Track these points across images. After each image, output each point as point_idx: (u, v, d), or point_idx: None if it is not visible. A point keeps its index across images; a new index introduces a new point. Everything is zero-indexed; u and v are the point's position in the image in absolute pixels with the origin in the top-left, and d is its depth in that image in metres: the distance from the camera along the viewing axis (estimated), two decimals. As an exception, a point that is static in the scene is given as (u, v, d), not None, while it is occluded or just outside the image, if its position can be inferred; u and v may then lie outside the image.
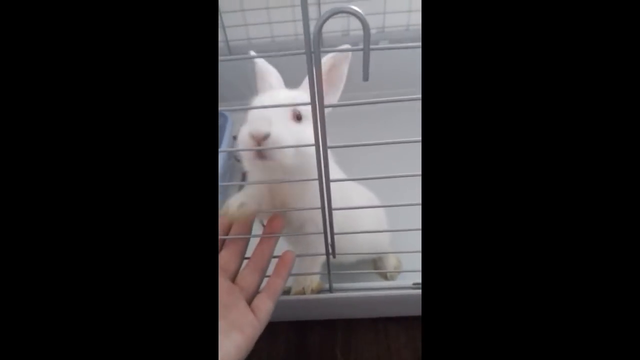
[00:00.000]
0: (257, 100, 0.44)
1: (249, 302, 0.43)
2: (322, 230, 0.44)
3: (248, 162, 0.43)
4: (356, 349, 0.60)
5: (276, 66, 0.51)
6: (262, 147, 0.38)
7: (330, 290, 0.53)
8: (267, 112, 0.40)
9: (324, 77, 0.41)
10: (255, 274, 0.45)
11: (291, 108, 0.42)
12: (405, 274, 0.65)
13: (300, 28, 1.00)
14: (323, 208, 0.40)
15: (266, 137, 0.38)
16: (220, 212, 0.45)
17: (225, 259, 0.45)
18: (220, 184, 0.79)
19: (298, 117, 0.42)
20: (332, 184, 0.39)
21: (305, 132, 0.41)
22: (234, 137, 0.89)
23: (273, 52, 0.38)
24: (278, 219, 0.46)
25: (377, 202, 0.59)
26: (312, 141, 0.38)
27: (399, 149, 0.35)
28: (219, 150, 0.55)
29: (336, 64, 0.43)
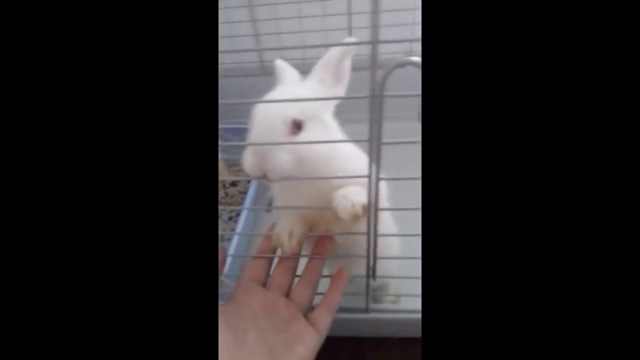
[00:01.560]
0: (254, 115, 0.42)
1: (305, 316, 0.44)
2: (362, 253, 0.46)
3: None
4: (384, 369, 0.61)
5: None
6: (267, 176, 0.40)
7: (367, 310, 0.54)
8: (260, 140, 0.40)
9: (331, 70, 0.44)
10: (308, 289, 0.46)
11: (288, 121, 0.40)
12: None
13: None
14: (369, 233, 0.42)
15: (264, 172, 0.39)
16: (273, 241, 0.47)
17: (278, 276, 0.47)
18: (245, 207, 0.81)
19: (297, 126, 0.41)
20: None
21: (305, 140, 0.40)
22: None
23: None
24: (326, 239, 0.48)
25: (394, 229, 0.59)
26: (314, 148, 0.40)
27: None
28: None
29: (342, 58, 0.44)
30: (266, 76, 1.01)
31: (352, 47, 0.44)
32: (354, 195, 0.40)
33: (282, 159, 0.39)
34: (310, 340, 0.42)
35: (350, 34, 0.97)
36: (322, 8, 0.96)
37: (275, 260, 0.48)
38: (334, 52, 0.44)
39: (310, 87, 0.45)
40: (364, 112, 0.45)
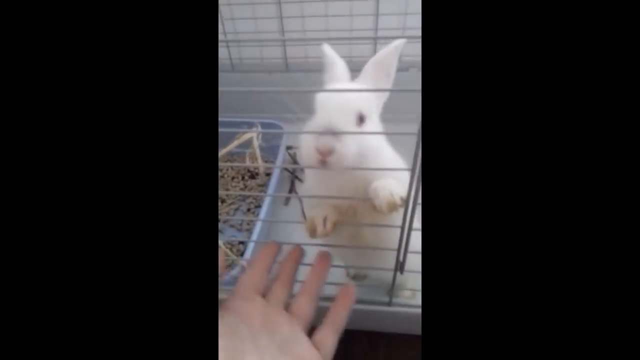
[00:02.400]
0: (323, 101, 0.43)
1: (307, 332, 0.42)
2: (390, 247, 0.47)
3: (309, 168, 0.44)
4: (397, 365, 0.62)
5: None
6: (327, 162, 0.40)
7: (390, 303, 0.56)
8: (334, 122, 0.41)
9: (377, 66, 0.46)
10: (310, 302, 0.43)
11: (357, 111, 0.43)
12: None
13: (355, 51, 1.05)
14: (403, 227, 0.44)
15: (332, 152, 0.40)
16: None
17: (277, 289, 0.44)
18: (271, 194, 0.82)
19: (362, 120, 0.43)
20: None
21: (367, 136, 0.43)
22: (287, 148, 0.94)
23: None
24: (326, 257, 0.46)
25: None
26: (373, 143, 0.42)
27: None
28: (276, 165, 0.58)
29: (388, 56, 0.47)
30: (290, 72, 1.03)
31: (400, 45, 0.46)
32: (392, 187, 0.42)
33: (350, 148, 0.41)
34: None
35: (376, 34, 0.98)
36: (349, 8, 0.97)
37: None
38: (385, 51, 0.46)
39: (367, 86, 0.48)
40: (405, 113, 0.46)
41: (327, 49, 0.52)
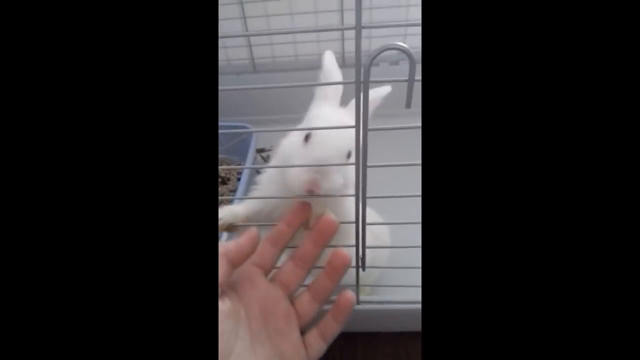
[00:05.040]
0: (322, 136, 0.43)
1: (302, 332, 0.41)
2: (350, 243, 0.46)
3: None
4: (376, 364, 0.61)
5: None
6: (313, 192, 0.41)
7: (357, 302, 0.54)
8: (329, 162, 0.41)
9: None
10: (315, 304, 0.42)
11: (348, 151, 0.43)
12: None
13: (323, 47, 1.04)
14: (357, 222, 0.43)
15: (320, 188, 0.41)
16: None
17: (289, 271, 0.42)
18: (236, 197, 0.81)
19: (349, 155, 0.44)
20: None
21: (351, 169, 0.43)
22: (258, 151, 0.93)
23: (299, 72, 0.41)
24: (344, 254, 0.42)
25: (380, 220, 0.61)
26: (353, 173, 0.42)
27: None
28: (245, 167, 0.57)
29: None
30: (257, 74, 1.02)
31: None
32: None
33: (338, 181, 0.42)
34: None
35: (343, 33, 0.97)
36: (314, 5, 0.96)
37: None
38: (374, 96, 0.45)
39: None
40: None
41: (328, 58, 0.50)
